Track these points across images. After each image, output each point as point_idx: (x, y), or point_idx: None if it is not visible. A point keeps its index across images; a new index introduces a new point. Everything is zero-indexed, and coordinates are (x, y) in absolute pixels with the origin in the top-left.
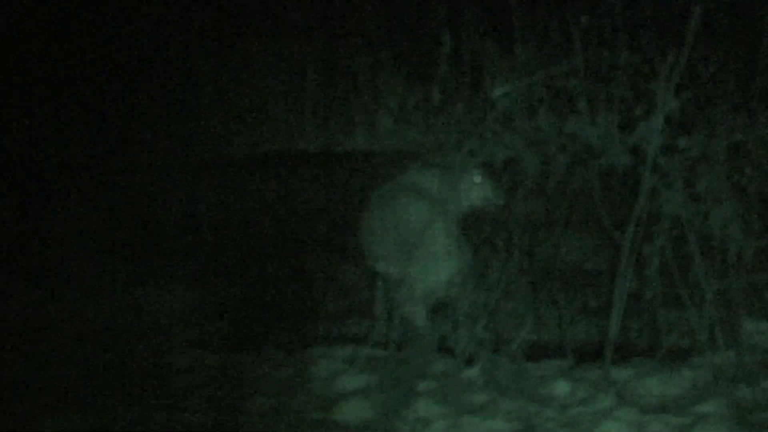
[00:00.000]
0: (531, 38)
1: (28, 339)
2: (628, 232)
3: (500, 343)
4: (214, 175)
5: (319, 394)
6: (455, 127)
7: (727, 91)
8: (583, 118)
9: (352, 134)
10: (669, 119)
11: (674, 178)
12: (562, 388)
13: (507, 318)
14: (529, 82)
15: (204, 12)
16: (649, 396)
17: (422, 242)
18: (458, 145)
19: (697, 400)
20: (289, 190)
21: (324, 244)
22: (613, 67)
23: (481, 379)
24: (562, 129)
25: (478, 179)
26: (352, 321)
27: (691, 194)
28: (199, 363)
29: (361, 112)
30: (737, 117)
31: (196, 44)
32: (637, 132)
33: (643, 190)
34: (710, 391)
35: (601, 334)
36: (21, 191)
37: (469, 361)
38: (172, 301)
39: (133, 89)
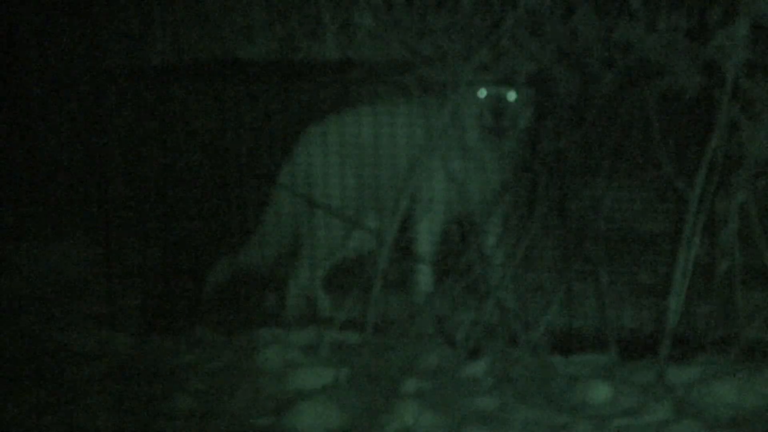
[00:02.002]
0: None
1: None
2: (698, 180)
3: (518, 329)
4: (124, 94)
5: (267, 393)
6: (459, 33)
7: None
8: (638, 20)
9: (315, 39)
10: (758, 26)
11: (763, 107)
12: (601, 392)
13: (528, 295)
14: None
15: None
16: (720, 406)
17: (415, 182)
18: (465, 54)
19: None
20: (227, 112)
21: (272, 181)
22: None
23: (489, 378)
24: (610, 35)
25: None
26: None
27: None
28: (106, 349)
29: (329, 10)
30: None
31: None
32: (714, 42)
33: (719, 124)
34: None
35: (656, 320)
36: None
37: (474, 353)
38: (71, 267)
39: None
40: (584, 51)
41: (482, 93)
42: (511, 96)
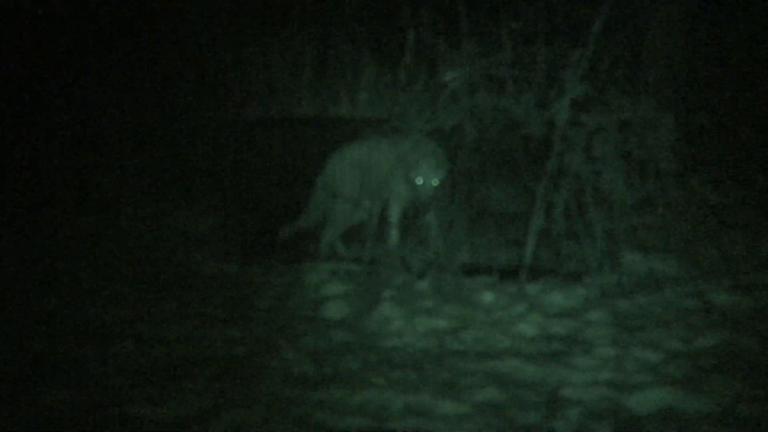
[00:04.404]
0: (474, 37)
1: (90, 252)
2: (541, 184)
3: (445, 263)
4: (234, 132)
5: (309, 297)
6: (415, 102)
7: (619, 80)
8: (510, 98)
9: (338, 104)
10: (574, 100)
11: (577, 144)
12: (489, 297)
13: (451, 245)
14: (471, 70)
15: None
16: (553, 306)
17: (390, 185)
18: (417, 114)
19: (587, 309)
20: (290, 144)
21: (314, 183)
22: (534, 60)
23: (430, 289)
24: (495, 105)
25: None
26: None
27: (589, 157)
28: (219, 272)
29: (345, 88)
30: (625, 100)
31: (222, 33)
32: (551, 109)
33: (553, 153)
34: (598, 303)
35: (519, 259)
36: (87, 142)
37: (422, 275)
38: (200, 226)
39: (178, 67)
40: (481, 113)
41: (419, 180)
42: (435, 182)
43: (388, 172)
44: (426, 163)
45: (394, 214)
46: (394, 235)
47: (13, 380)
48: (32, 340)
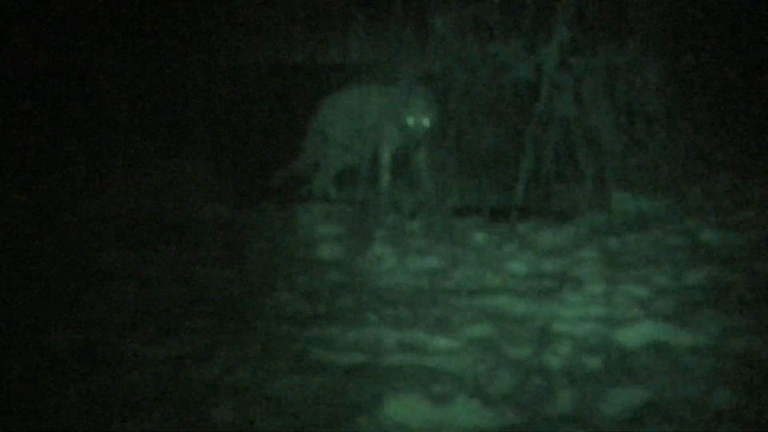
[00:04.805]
0: None
1: (87, 197)
2: (531, 126)
3: (436, 203)
4: (227, 79)
5: (303, 239)
6: (405, 47)
7: (605, 24)
8: (499, 42)
9: (329, 51)
10: (562, 45)
11: (565, 88)
12: (480, 237)
13: (442, 186)
14: (460, 14)
15: None
16: (543, 244)
17: (381, 128)
18: (407, 59)
19: (577, 247)
20: (282, 91)
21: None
22: (523, 6)
23: (420, 230)
24: (484, 50)
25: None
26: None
27: (578, 100)
28: (216, 215)
29: (336, 34)
30: (612, 44)
31: None
32: (539, 53)
33: (542, 96)
34: (587, 242)
35: (509, 199)
36: (83, 85)
37: (413, 216)
38: (196, 170)
39: (168, 15)
40: (471, 58)
41: (409, 121)
42: (426, 124)
43: (378, 116)
44: (416, 105)
45: (386, 157)
46: (385, 177)
47: (14, 322)
48: (31, 282)
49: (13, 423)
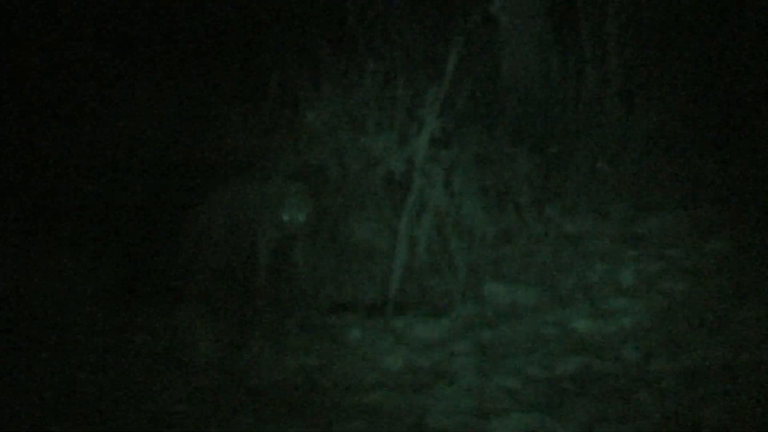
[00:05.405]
0: (335, 78)
1: None
2: (403, 219)
3: (312, 300)
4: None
5: (181, 338)
6: (279, 142)
7: (476, 116)
8: (371, 136)
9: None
10: (432, 137)
11: (436, 179)
12: (356, 333)
13: (315, 281)
14: (333, 110)
15: None
16: (418, 339)
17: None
18: (281, 155)
19: (452, 341)
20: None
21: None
22: (393, 100)
23: (297, 327)
24: (356, 144)
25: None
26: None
27: (449, 191)
28: (89, 317)
29: (213, 131)
30: (482, 135)
31: None
32: (410, 146)
33: (413, 188)
34: (462, 335)
35: (384, 293)
36: None
37: (289, 313)
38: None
39: None
40: (344, 152)
41: (285, 217)
42: (302, 219)
43: (255, 213)
44: (291, 201)
45: (262, 253)
46: (263, 273)
47: None
48: None
49: None
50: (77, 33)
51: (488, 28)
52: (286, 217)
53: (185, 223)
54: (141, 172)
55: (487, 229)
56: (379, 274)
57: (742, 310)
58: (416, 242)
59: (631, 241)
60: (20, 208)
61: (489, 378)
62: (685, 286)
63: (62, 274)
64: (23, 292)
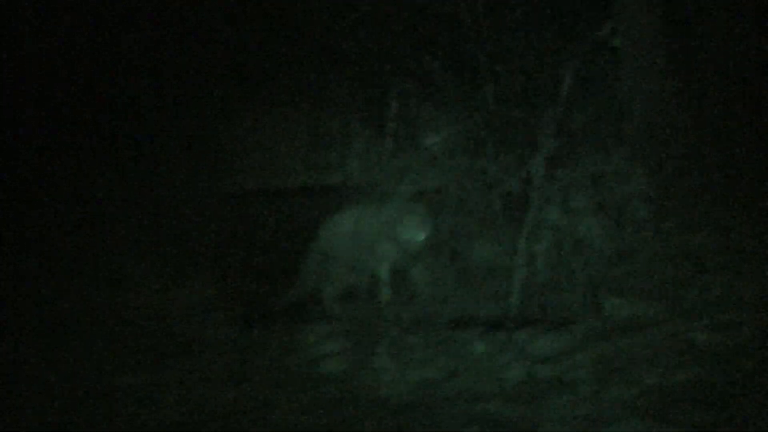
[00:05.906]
0: (454, 102)
1: (99, 325)
2: (522, 236)
3: (434, 317)
4: (231, 203)
5: (306, 356)
6: (400, 166)
7: (591, 135)
8: (489, 158)
9: (330, 173)
10: (549, 157)
11: (553, 198)
12: (478, 347)
13: (437, 299)
14: (452, 134)
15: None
16: (539, 351)
17: (379, 245)
18: (402, 178)
19: (572, 353)
20: (284, 214)
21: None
22: (511, 121)
23: (420, 342)
24: (475, 166)
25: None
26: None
27: (566, 209)
28: (220, 337)
29: (336, 157)
30: (597, 155)
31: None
32: (527, 166)
33: (531, 207)
34: (581, 347)
35: (506, 309)
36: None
37: (412, 329)
38: (202, 296)
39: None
40: (463, 173)
41: (405, 236)
42: (421, 240)
43: (376, 234)
44: (411, 222)
45: (384, 273)
46: (385, 292)
47: None
48: (44, 407)
49: None
50: (207, 68)
51: (605, 52)
52: (406, 238)
53: (311, 246)
54: (272, 196)
55: (604, 247)
56: (500, 291)
57: None
58: (535, 259)
59: (751, 253)
60: (158, 235)
61: (605, 387)
62: None
63: (200, 298)
64: (165, 314)
